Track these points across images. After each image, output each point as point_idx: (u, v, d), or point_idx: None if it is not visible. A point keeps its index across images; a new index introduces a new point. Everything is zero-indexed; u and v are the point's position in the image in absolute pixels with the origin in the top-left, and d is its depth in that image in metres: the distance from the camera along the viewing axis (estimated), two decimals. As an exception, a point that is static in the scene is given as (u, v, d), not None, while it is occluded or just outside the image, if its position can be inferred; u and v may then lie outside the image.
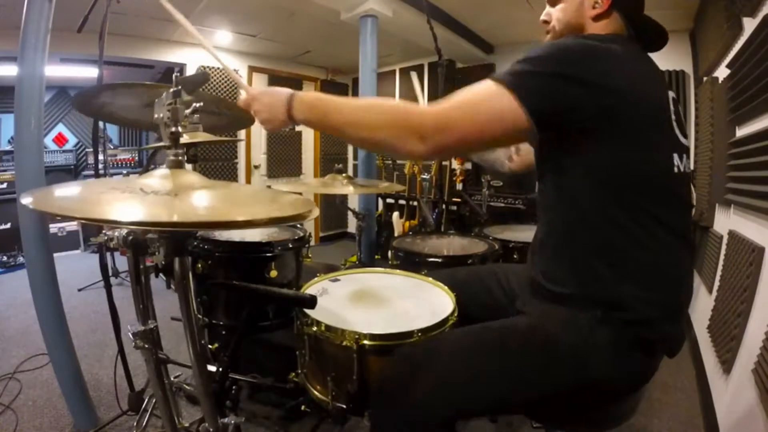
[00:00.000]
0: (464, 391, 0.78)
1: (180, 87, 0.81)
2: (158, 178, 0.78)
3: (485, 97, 0.73)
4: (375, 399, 0.88)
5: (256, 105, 0.91)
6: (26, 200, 0.61)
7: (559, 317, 0.81)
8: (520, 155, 1.18)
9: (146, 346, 0.80)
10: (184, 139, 0.84)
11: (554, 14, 0.93)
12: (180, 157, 0.83)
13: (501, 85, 0.72)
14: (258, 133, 4.77)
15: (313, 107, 0.86)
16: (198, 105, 0.82)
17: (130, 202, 0.66)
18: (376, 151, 0.80)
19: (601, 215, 0.77)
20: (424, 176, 3.37)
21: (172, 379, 1.08)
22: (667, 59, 2.97)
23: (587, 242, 0.79)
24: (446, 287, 1.18)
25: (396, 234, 3.64)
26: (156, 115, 0.82)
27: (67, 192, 0.75)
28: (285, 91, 0.89)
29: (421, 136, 0.74)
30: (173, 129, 0.80)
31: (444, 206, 3.10)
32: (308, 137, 5.26)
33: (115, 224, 0.67)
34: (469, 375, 0.79)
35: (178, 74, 0.84)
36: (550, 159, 0.82)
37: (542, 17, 0.96)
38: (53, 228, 4.15)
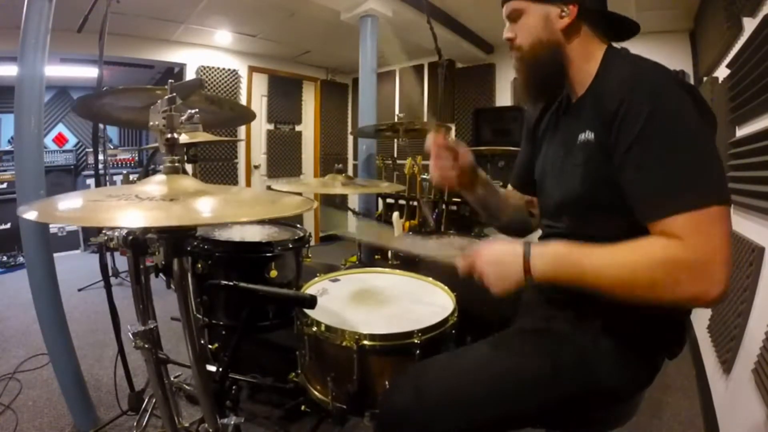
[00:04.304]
0: (475, 409, 0.76)
1: (175, 94, 0.81)
2: (156, 184, 0.78)
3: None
4: (383, 418, 0.84)
5: (479, 264, 0.78)
6: (31, 215, 0.62)
7: (562, 328, 0.82)
8: (535, 205, 1.15)
9: (146, 346, 0.80)
10: (184, 139, 0.84)
11: (518, 31, 0.83)
12: (177, 164, 0.83)
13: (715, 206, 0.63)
14: (258, 133, 4.77)
15: (560, 261, 0.71)
16: (193, 111, 0.82)
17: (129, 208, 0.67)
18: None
19: (615, 235, 0.73)
20: (424, 176, 3.37)
21: (172, 379, 1.08)
22: (667, 59, 2.92)
23: None
24: (446, 287, 1.18)
25: (396, 234, 3.63)
26: (152, 123, 0.82)
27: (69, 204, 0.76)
28: (515, 245, 0.75)
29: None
30: (169, 135, 0.80)
31: (444, 206, 3.09)
32: (308, 137, 5.26)
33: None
34: (480, 393, 0.77)
35: (173, 79, 0.84)
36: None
37: (506, 34, 0.85)
38: (53, 228, 4.14)
